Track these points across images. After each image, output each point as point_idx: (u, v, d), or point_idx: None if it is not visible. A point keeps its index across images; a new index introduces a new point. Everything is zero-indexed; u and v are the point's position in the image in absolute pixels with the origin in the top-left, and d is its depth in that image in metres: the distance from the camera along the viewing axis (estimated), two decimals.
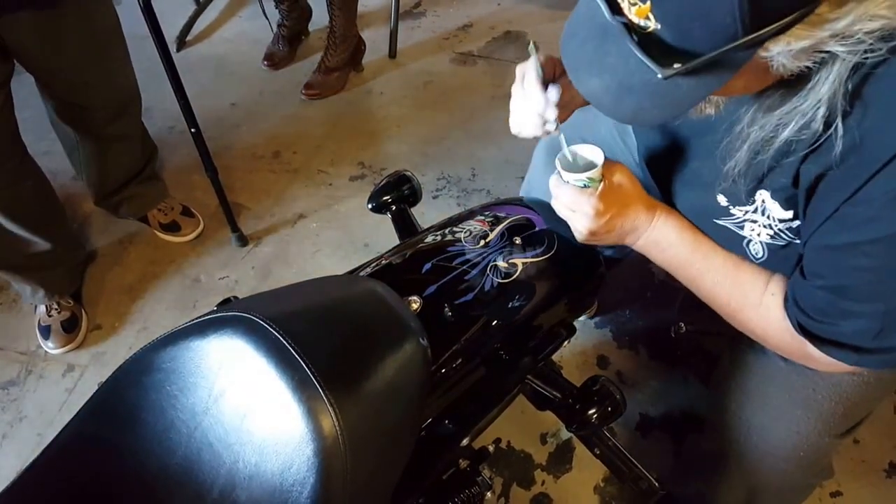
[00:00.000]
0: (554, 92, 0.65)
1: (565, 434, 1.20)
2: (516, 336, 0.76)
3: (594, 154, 0.66)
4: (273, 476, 0.49)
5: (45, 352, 1.40)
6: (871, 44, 0.44)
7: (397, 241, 0.92)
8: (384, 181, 0.96)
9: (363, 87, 2.00)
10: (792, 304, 0.60)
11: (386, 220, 0.98)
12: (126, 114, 1.38)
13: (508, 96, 0.69)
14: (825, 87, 0.48)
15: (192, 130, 1.37)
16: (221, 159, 1.79)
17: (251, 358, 0.51)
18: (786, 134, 0.52)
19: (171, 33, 2.15)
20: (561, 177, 0.66)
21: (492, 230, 0.80)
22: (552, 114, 0.65)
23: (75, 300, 1.46)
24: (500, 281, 0.75)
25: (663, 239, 0.68)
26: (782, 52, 0.44)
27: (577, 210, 0.66)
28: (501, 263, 0.76)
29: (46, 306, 1.40)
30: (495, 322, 0.74)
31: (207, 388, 0.52)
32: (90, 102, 1.28)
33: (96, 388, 1.55)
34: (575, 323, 0.89)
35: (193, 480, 0.49)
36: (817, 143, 0.51)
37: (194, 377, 0.52)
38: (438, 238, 0.80)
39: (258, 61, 2.08)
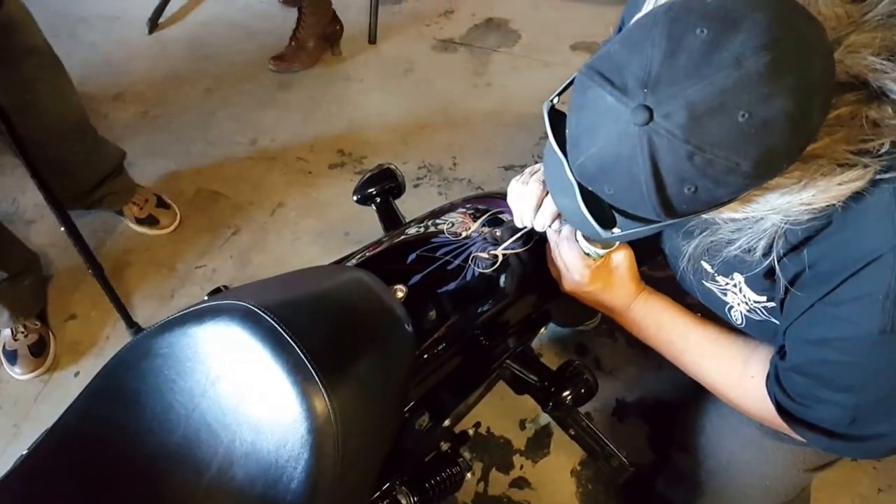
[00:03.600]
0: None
1: (543, 420, 1.24)
2: (496, 323, 0.80)
3: None
4: (269, 453, 0.51)
5: (11, 377, 1.32)
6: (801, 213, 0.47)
7: (378, 230, 0.95)
8: (369, 174, 0.98)
9: (342, 74, 1.99)
10: (773, 381, 0.62)
11: (365, 208, 1.00)
12: (75, 140, 1.32)
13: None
14: (768, 223, 0.51)
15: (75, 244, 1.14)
16: (196, 146, 1.77)
17: (247, 343, 0.53)
18: (732, 250, 0.54)
19: (143, 15, 2.09)
20: (575, 235, 0.71)
21: (473, 222, 0.84)
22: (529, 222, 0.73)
23: (41, 321, 1.38)
24: (482, 271, 0.78)
25: (641, 321, 0.75)
26: (715, 216, 0.50)
27: (570, 270, 0.73)
28: (483, 254, 0.80)
29: (12, 329, 1.33)
30: (476, 309, 0.78)
31: (204, 372, 0.54)
32: (34, 134, 1.18)
33: (72, 378, 1.49)
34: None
35: (192, 458, 0.52)
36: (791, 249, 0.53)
37: (191, 362, 0.54)
38: (422, 230, 0.83)
39: (233, 44, 2.05)
